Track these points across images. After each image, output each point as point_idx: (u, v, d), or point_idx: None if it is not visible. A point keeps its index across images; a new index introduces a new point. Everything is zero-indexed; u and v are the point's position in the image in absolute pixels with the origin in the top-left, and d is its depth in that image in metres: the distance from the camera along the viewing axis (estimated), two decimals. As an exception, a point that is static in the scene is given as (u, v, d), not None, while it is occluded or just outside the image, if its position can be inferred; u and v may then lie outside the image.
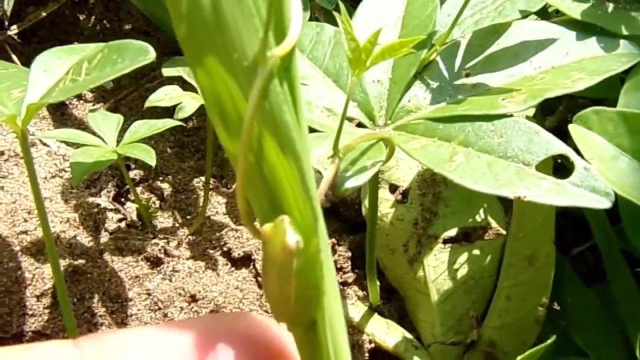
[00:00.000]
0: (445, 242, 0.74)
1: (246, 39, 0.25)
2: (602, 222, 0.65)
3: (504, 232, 0.72)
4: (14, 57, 0.88)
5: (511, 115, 0.56)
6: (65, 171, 0.79)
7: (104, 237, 0.76)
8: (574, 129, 0.57)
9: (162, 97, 0.71)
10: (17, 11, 0.91)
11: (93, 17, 0.95)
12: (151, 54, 0.49)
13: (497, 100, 0.57)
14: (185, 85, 0.75)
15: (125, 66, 0.50)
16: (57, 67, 0.57)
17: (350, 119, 0.60)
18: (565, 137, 0.57)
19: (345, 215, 0.83)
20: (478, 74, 0.60)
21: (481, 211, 0.73)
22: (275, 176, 0.26)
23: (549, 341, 0.55)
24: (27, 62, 0.87)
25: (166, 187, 0.82)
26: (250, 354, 0.25)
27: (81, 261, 0.73)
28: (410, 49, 0.53)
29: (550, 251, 0.66)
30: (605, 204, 0.52)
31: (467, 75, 0.61)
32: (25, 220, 0.74)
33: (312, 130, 0.57)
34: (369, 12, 0.64)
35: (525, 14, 0.65)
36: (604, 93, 0.64)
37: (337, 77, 0.62)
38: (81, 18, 0.94)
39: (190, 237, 0.78)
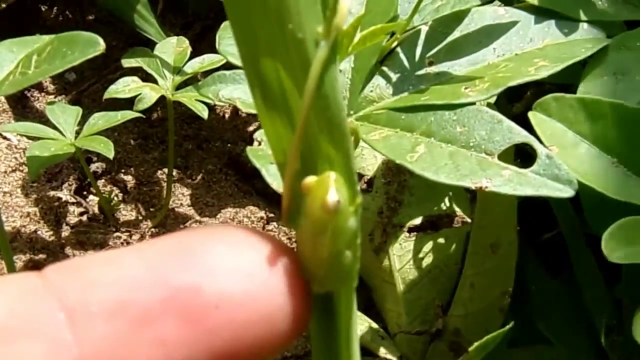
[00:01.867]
0: (410, 230, 0.73)
1: (303, 9, 0.23)
2: (565, 209, 0.65)
3: (469, 220, 0.71)
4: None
5: (474, 104, 0.56)
6: (26, 165, 0.78)
7: (65, 231, 0.75)
8: (533, 116, 0.57)
9: (121, 88, 0.70)
10: (-25, 3, 0.89)
11: (55, 8, 0.93)
12: (101, 46, 0.49)
13: (460, 89, 0.57)
14: (147, 76, 0.74)
15: (75, 58, 0.49)
16: (8, 60, 0.56)
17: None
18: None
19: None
20: (441, 62, 0.60)
21: (446, 199, 0.73)
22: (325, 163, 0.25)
23: (506, 327, 0.54)
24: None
25: (129, 179, 0.81)
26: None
27: (42, 256, 0.72)
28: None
29: (513, 239, 0.66)
30: (568, 192, 0.52)
31: (430, 64, 0.60)
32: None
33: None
34: None
35: (485, 0, 0.64)
36: (570, 79, 0.64)
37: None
38: (43, 9, 0.93)
39: (153, 229, 0.77)
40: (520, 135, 0.54)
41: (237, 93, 0.59)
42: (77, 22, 0.92)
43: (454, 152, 0.54)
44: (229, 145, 0.85)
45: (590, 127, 0.56)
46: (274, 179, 0.53)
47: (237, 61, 0.61)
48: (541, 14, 0.61)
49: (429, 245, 0.72)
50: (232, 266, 0.23)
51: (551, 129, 0.56)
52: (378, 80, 0.60)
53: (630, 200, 0.53)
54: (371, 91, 0.60)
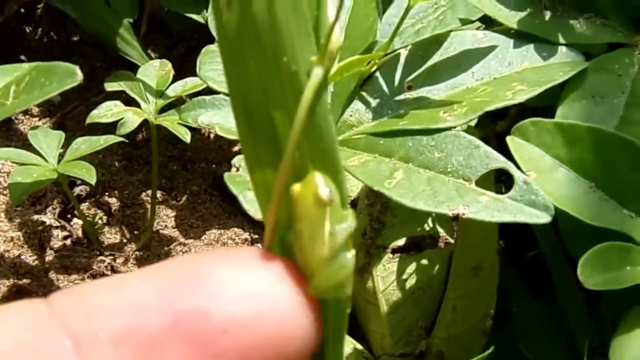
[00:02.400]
0: (394, 252, 0.73)
1: (297, 42, 0.24)
2: (546, 231, 0.65)
3: (452, 241, 0.72)
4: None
5: (452, 129, 0.56)
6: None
7: (49, 256, 0.75)
8: (511, 140, 0.57)
9: (103, 113, 0.70)
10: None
11: (40, 30, 0.93)
12: (78, 77, 0.49)
13: (438, 113, 0.57)
14: (131, 99, 0.74)
15: (53, 89, 0.49)
16: (-12, 89, 0.56)
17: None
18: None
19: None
20: (420, 86, 0.60)
21: (429, 220, 0.73)
22: None
23: (488, 351, 0.55)
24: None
25: (114, 202, 0.81)
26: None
27: (26, 280, 0.72)
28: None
29: (494, 261, 0.66)
30: (545, 218, 0.52)
31: (409, 88, 0.60)
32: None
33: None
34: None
35: (465, 22, 0.65)
36: (552, 101, 0.64)
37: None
38: (27, 31, 0.93)
39: (137, 252, 0.77)
40: (498, 160, 0.54)
41: (216, 119, 0.60)
42: (61, 43, 0.93)
43: (432, 177, 0.55)
44: (213, 165, 0.85)
45: (567, 152, 0.56)
46: (251, 206, 0.53)
47: (217, 86, 0.61)
48: (520, 37, 0.61)
49: (412, 267, 0.72)
50: (239, 289, 0.22)
51: (529, 154, 0.56)
52: (357, 105, 0.60)
53: (605, 225, 0.54)
54: (350, 116, 0.60)
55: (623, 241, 0.53)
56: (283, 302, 0.23)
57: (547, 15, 0.63)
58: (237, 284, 0.23)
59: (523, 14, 0.62)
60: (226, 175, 0.55)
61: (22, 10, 0.93)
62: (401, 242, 0.73)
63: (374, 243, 0.74)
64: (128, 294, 0.22)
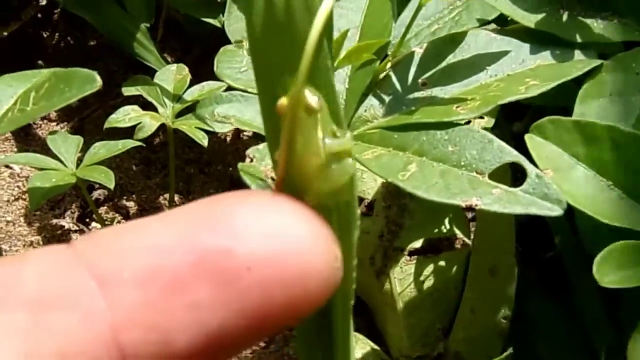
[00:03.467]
0: (411, 254, 0.73)
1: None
2: (563, 230, 0.65)
3: (469, 242, 0.71)
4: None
5: (466, 124, 0.56)
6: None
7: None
8: (530, 138, 0.57)
9: (121, 117, 0.71)
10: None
11: (57, 34, 0.94)
12: (97, 82, 0.49)
13: (451, 108, 0.57)
14: (148, 103, 0.75)
15: (73, 95, 0.50)
16: (7, 96, 0.57)
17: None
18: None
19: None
20: (434, 85, 0.60)
21: (446, 222, 0.73)
22: None
23: (505, 354, 0.54)
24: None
25: (131, 206, 0.81)
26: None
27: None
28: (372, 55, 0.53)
29: (512, 263, 0.65)
30: (557, 211, 0.52)
31: (423, 85, 0.60)
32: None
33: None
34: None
35: (482, 22, 0.65)
36: (571, 101, 0.64)
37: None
38: (45, 36, 0.94)
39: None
40: (511, 154, 0.54)
41: (232, 111, 0.60)
42: (78, 47, 0.93)
43: (446, 170, 0.54)
44: (230, 168, 0.85)
45: (585, 150, 0.56)
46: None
47: (234, 83, 0.61)
48: (535, 36, 0.61)
49: (429, 269, 0.72)
50: (261, 228, 0.22)
51: (547, 152, 0.56)
52: (372, 101, 0.61)
53: (623, 225, 0.53)
54: (365, 111, 0.60)
55: (640, 239, 0.53)
56: (304, 240, 0.23)
57: (565, 14, 0.63)
58: (259, 223, 0.23)
59: (540, 14, 0.62)
60: (240, 165, 0.55)
61: (39, 15, 0.94)
62: (418, 244, 0.73)
63: (392, 245, 0.73)
64: (152, 235, 0.22)
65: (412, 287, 0.72)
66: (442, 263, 0.72)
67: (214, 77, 0.65)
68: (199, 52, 0.91)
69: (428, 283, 0.71)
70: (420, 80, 0.61)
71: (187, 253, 0.22)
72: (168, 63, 0.85)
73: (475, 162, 0.54)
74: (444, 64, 0.61)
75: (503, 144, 0.55)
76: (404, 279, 0.72)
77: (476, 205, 0.52)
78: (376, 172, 0.55)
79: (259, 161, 0.55)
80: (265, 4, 0.23)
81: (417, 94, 0.60)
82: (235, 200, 0.23)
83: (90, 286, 0.21)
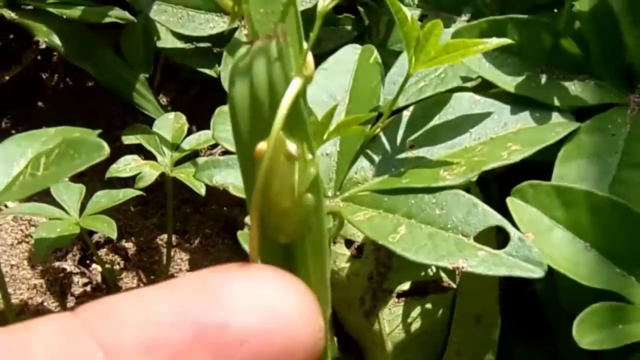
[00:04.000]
0: (399, 296, 0.76)
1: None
2: (546, 284, 0.68)
3: (454, 286, 0.75)
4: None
5: (451, 188, 0.60)
6: (32, 236, 0.81)
7: (70, 302, 0.78)
8: (511, 202, 0.60)
9: (122, 167, 0.74)
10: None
11: (56, 76, 0.97)
12: (105, 151, 0.52)
13: (439, 172, 0.61)
14: (147, 152, 0.78)
15: (82, 162, 0.53)
16: (18, 156, 0.60)
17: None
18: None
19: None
20: (421, 146, 0.64)
21: (433, 266, 0.76)
22: None
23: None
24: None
25: (130, 247, 0.84)
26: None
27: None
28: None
29: (496, 311, 0.69)
30: (538, 273, 0.56)
31: (411, 147, 0.64)
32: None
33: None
34: (318, 85, 0.67)
35: (465, 81, 0.68)
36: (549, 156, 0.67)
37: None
38: (44, 77, 0.97)
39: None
40: (495, 218, 0.58)
41: (229, 178, 0.63)
42: (77, 89, 0.96)
43: (433, 233, 0.58)
44: (224, 208, 0.88)
45: (564, 213, 0.59)
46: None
47: (230, 147, 0.65)
48: (516, 100, 0.65)
49: (417, 311, 0.75)
50: (254, 303, 0.25)
51: (528, 215, 0.60)
52: (362, 162, 0.64)
53: (600, 286, 0.57)
54: (356, 173, 0.64)
55: (618, 300, 0.56)
56: (291, 314, 0.25)
57: (543, 78, 0.67)
58: (251, 298, 0.25)
59: (520, 78, 0.65)
60: (239, 234, 0.59)
61: (39, 57, 0.97)
62: (406, 286, 0.76)
63: (380, 287, 0.77)
64: (152, 308, 0.24)
65: (400, 328, 0.75)
66: (428, 305, 0.75)
67: (209, 117, 0.68)
68: (195, 92, 0.94)
69: (416, 325, 0.75)
70: (407, 142, 0.64)
71: (186, 328, 0.24)
72: (164, 104, 0.88)
73: (461, 225, 0.58)
74: (429, 125, 0.65)
75: (487, 207, 0.58)
76: (392, 320, 0.76)
77: (463, 267, 0.56)
78: (368, 235, 0.58)
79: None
80: (249, 79, 0.27)
81: (405, 155, 0.64)
82: (228, 275, 0.26)
83: (98, 357, 0.23)
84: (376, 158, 0.64)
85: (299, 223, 0.28)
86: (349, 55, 0.69)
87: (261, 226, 0.28)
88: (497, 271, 0.56)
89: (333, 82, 0.68)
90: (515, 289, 0.75)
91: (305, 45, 0.29)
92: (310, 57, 0.28)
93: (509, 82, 0.65)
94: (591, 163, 0.63)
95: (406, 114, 0.66)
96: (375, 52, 0.68)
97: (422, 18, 0.78)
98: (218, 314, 0.24)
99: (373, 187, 0.62)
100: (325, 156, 0.64)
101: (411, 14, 0.71)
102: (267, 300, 0.25)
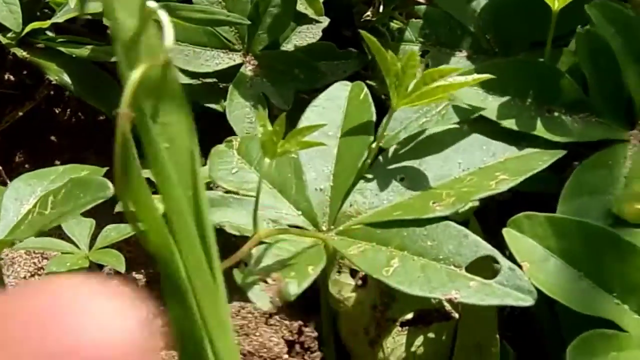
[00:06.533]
0: (402, 325, 0.77)
1: None
2: (545, 316, 0.68)
3: (456, 315, 0.75)
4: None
5: (443, 219, 0.61)
6: (44, 269, 0.83)
7: (80, 335, 0.79)
8: (507, 232, 0.61)
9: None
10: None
11: (68, 110, 0.99)
12: (110, 191, 0.54)
13: (429, 204, 0.62)
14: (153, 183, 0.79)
15: (87, 202, 0.55)
16: (27, 194, 0.63)
17: (297, 227, 0.64)
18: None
19: (311, 297, 0.86)
20: (412, 179, 0.65)
21: (430, 296, 0.77)
22: None
23: None
24: (5, 163, 0.93)
25: (140, 278, 0.86)
26: None
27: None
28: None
29: (496, 342, 0.69)
30: (529, 301, 0.57)
31: (402, 180, 0.65)
32: None
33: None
34: (310, 123, 0.69)
35: (464, 117, 0.69)
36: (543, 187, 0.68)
37: (282, 188, 0.66)
38: (57, 112, 0.99)
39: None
40: (485, 248, 0.59)
41: (226, 217, 0.64)
42: (88, 122, 0.98)
43: (426, 264, 0.59)
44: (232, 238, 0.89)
45: (558, 243, 0.60)
46: (259, 299, 0.58)
47: (227, 186, 0.66)
48: (504, 130, 0.66)
49: (420, 339, 0.76)
50: (99, 327, 0.25)
51: (523, 245, 0.60)
52: (355, 196, 0.65)
53: (593, 313, 0.57)
54: (350, 206, 0.65)
55: (613, 328, 0.57)
56: (129, 335, 0.25)
57: (547, 115, 0.68)
58: (96, 322, 0.25)
59: (519, 115, 0.67)
60: (235, 271, 0.60)
61: (52, 92, 1.00)
62: (410, 315, 0.77)
63: (384, 316, 0.78)
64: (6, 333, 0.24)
65: (404, 357, 0.76)
66: (431, 334, 0.76)
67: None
68: (201, 126, 0.96)
69: (419, 353, 0.76)
70: (398, 175, 0.65)
71: (38, 355, 0.24)
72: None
73: (452, 255, 0.59)
74: (420, 159, 0.66)
75: (478, 238, 0.59)
76: (396, 349, 0.77)
77: (455, 298, 0.57)
78: (362, 269, 0.60)
79: (254, 266, 0.60)
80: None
81: (396, 188, 0.65)
82: (69, 298, 0.25)
83: None
84: (369, 192, 0.65)
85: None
86: (339, 92, 0.71)
87: None
88: (490, 301, 0.57)
89: (324, 119, 0.69)
90: (515, 319, 0.75)
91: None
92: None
93: (511, 122, 0.66)
94: (593, 200, 0.64)
95: (397, 147, 0.67)
96: (365, 89, 0.70)
97: (424, 54, 0.80)
98: (66, 340, 0.24)
99: (366, 220, 0.63)
100: (319, 191, 0.66)
101: (411, 48, 0.74)
102: (108, 323, 0.25)
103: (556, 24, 0.70)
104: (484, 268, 0.59)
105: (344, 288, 0.80)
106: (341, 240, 0.62)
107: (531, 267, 0.59)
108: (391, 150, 0.67)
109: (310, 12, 0.83)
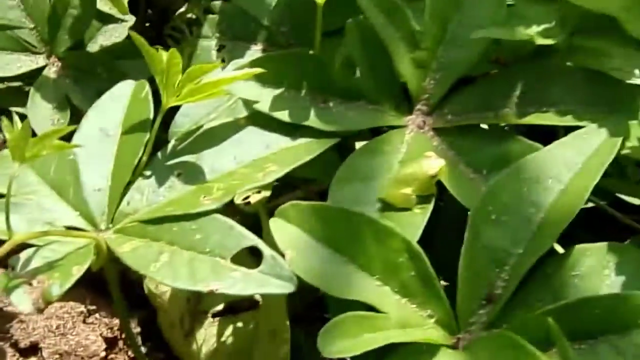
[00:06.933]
0: (214, 315, 0.79)
1: None
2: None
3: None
4: None
5: (212, 212, 0.62)
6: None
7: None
8: (274, 222, 0.62)
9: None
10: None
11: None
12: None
13: (199, 198, 0.63)
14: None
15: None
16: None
17: (74, 228, 0.65)
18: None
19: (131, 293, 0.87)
20: (188, 174, 0.66)
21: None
22: None
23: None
24: None
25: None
26: None
27: None
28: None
29: (286, 327, 0.71)
30: (289, 288, 0.58)
31: (179, 175, 0.66)
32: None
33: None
34: (90, 123, 0.70)
35: (251, 110, 0.70)
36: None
37: (60, 190, 0.67)
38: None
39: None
40: (249, 239, 0.60)
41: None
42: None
43: (193, 257, 0.61)
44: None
45: (322, 230, 0.61)
46: (21, 301, 0.59)
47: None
48: (282, 123, 0.68)
49: (229, 329, 0.78)
50: None
51: (288, 234, 0.61)
52: (132, 194, 0.66)
53: (354, 297, 0.59)
54: (128, 204, 0.66)
55: (374, 310, 0.59)
56: None
57: (321, 106, 0.69)
58: None
59: (293, 106, 0.68)
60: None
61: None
62: (221, 306, 0.79)
63: (197, 309, 0.79)
64: None
65: (214, 346, 0.77)
66: (240, 324, 0.77)
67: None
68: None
69: (228, 343, 0.77)
70: (175, 171, 0.67)
71: None
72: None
73: (218, 247, 0.60)
74: (197, 153, 0.67)
75: (243, 229, 0.61)
76: (207, 340, 0.78)
77: (216, 289, 0.58)
78: (131, 265, 0.61)
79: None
80: None
81: (173, 184, 0.66)
82: None
83: None
84: (147, 189, 0.66)
85: None
86: (124, 90, 0.72)
87: None
88: (248, 290, 0.59)
89: (105, 118, 0.70)
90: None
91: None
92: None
93: (283, 112, 0.68)
94: (366, 185, 0.66)
95: (175, 143, 0.68)
96: (147, 87, 0.70)
97: (220, 49, 0.81)
98: None
99: (141, 217, 0.64)
100: (97, 191, 0.66)
101: (206, 44, 0.75)
102: None
103: (340, 14, 0.72)
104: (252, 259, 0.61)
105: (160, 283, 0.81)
106: (117, 238, 0.63)
107: (296, 255, 0.60)
108: (170, 146, 0.68)
109: (114, 12, 0.84)
